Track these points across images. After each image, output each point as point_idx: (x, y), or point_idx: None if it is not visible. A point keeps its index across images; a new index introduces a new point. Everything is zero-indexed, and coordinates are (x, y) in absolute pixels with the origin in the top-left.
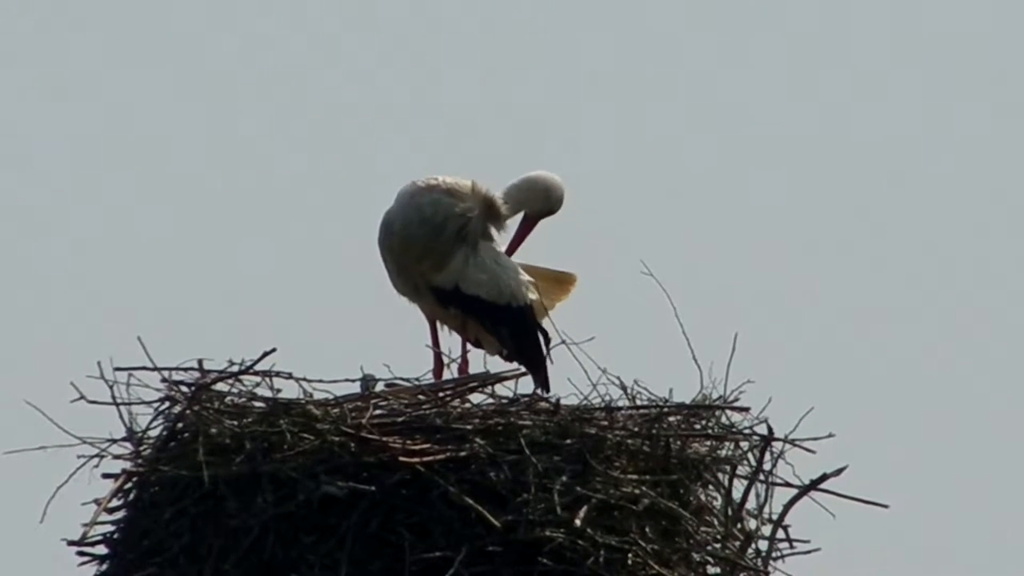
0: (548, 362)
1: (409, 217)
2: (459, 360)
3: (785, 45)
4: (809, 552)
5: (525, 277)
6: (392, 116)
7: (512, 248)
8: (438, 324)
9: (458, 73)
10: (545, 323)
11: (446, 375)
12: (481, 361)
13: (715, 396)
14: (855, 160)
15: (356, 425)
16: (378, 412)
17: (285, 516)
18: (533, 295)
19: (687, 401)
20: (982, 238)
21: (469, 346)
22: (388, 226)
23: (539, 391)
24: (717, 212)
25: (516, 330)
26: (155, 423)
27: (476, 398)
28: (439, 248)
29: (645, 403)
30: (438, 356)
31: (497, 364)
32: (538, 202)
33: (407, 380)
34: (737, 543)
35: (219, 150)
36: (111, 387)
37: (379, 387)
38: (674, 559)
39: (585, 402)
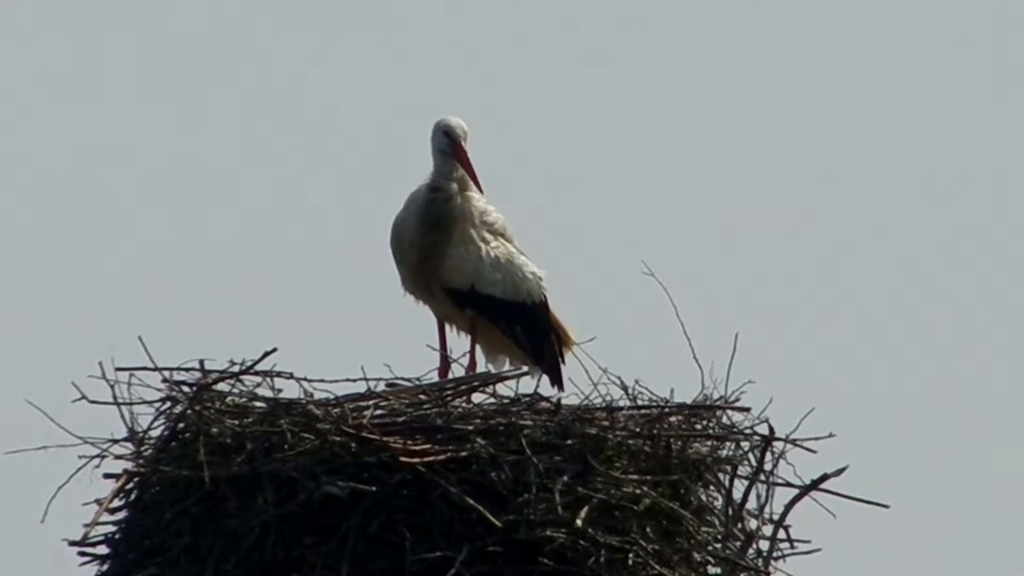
0: (561, 361)
1: (417, 227)
2: (466, 360)
3: (785, 45)
4: (810, 552)
5: (540, 271)
6: (393, 116)
7: (467, 168)
8: (447, 326)
9: (459, 72)
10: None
11: (452, 376)
12: (484, 361)
13: (716, 396)
14: (855, 161)
15: (357, 425)
16: (379, 412)
17: (286, 516)
18: (547, 292)
19: (688, 401)
20: (982, 238)
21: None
22: (398, 234)
23: (555, 390)
24: (717, 212)
25: (531, 328)
26: (156, 423)
27: (477, 398)
28: (440, 247)
29: (646, 403)
30: (444, 357)
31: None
32: (438, 145)
33: (408, 380)
34: (738, 543)
35: (219, 150)
36: (112, 387)
37: (380, 387)
38: (675, 559)
39: (586, 402)
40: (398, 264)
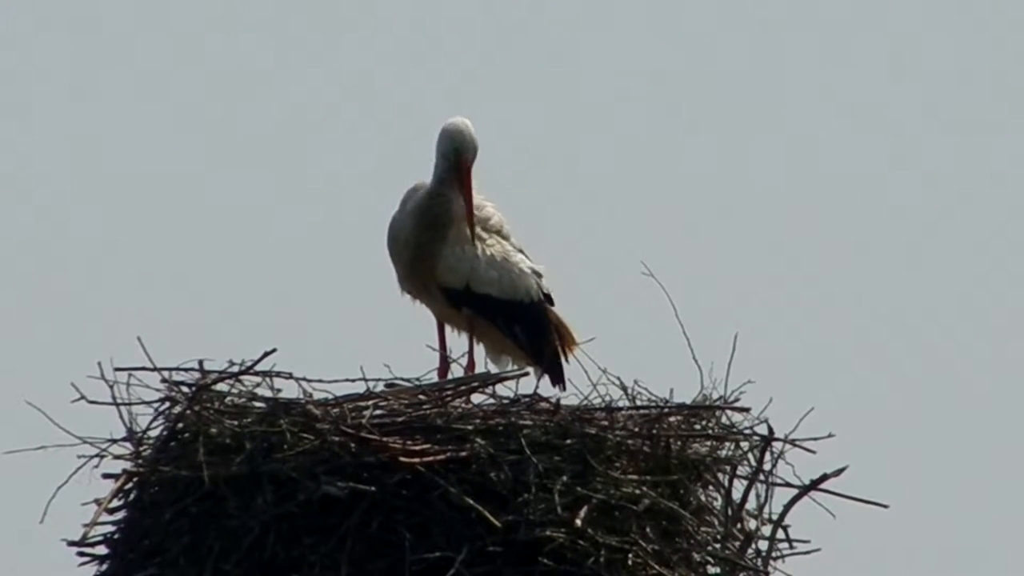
0: (564, 360)
1: (406, 234)
2: (465, 360)
3: (783, 44)
4: (809, 552)
5: (540, 267)
6: (393, 116)
7: (467, 199)
8: (446, 326)
9: (460, 72)
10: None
11: (451, 376)
12: (483, 361)
13: (715, 396)
14: (855, 160)
15: (356, 425)
16: (378, 412)
17: (285, 516)
18: (547, 288)
19: (687, 401)
20: (982, 238)
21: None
22: (394, 234)
23: (557, 389)
24: (717, 212)
25: (530, 326)
26: (155, 423)
27: (477, 398)
28: (436, 245)
29: (645, 403)
30: (443, 357)
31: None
32: (442, 151)
33: (408, 380)
34: (737, 543)
35: (219, 150)
36: (111, 387)
37: (379, 387)
38: (674, 559)
39: (585, 402)
40: (395, 263)
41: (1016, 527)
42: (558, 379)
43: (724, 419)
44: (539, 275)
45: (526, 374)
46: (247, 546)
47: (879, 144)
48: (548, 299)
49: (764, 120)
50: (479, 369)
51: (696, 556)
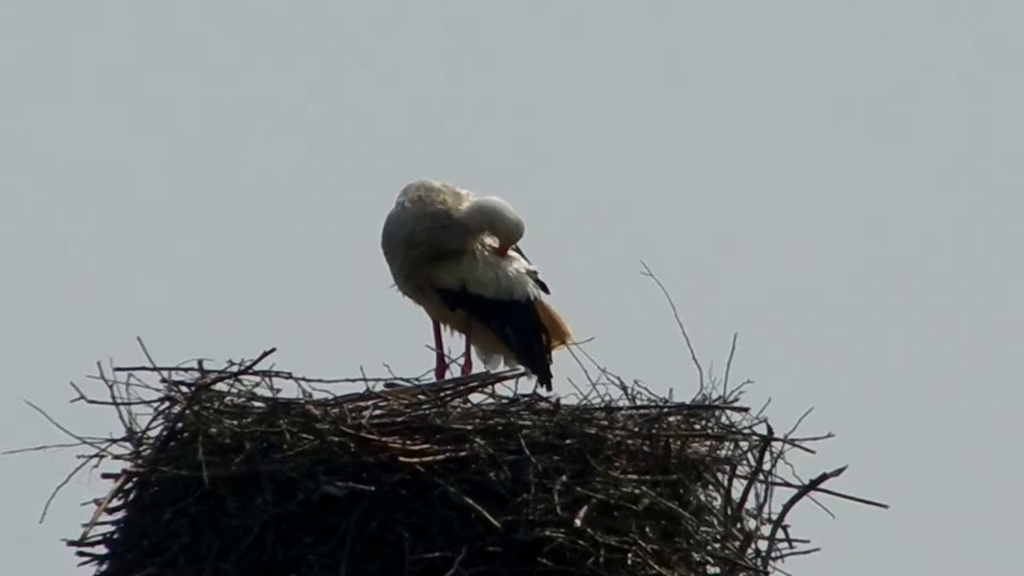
0: (549, 362)
1: (407, 232)
2: (462, 360)
3: (785, 46)
4: (809, 552)
5: (534, 267)
6: (393, 116)
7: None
8: (442, 326)
9: (457, 72)
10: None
11: (448, 376)
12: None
13: (715, 396)
14: (855, 160)
15: (356, 425)
16: (378, 412)
17: (285, 516)
18: (540, 294)
19: (687, 401)
20: (982, 238)
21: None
22: (389, 236)
23: (542, 389)
24: (717, 212)
25: (521, 327)
26: (155, 423)
27: (476, 398)
28: (442, 254)
29: (645, 403)
30: (441, 357)
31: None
32: (486, 227)
33: (407, 380)
34: (737, 543)
35: (219, 150)
36: (111, 387)
37: (379, 387)
38: (674, 559)
39: (585, 402)
40: (388, 262)
41: (1016, 527)
42: (544, 379)
43: (723, 419)
44: (534, 274)
45: (525, 374)
46: (246, 546)
47: (879, 144)
48: (543, 288)
49: (764, 119)
50: (476, 369)
51: (696, 556)
